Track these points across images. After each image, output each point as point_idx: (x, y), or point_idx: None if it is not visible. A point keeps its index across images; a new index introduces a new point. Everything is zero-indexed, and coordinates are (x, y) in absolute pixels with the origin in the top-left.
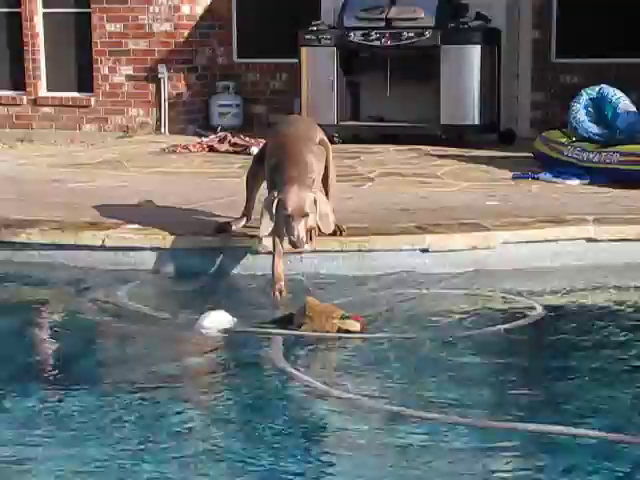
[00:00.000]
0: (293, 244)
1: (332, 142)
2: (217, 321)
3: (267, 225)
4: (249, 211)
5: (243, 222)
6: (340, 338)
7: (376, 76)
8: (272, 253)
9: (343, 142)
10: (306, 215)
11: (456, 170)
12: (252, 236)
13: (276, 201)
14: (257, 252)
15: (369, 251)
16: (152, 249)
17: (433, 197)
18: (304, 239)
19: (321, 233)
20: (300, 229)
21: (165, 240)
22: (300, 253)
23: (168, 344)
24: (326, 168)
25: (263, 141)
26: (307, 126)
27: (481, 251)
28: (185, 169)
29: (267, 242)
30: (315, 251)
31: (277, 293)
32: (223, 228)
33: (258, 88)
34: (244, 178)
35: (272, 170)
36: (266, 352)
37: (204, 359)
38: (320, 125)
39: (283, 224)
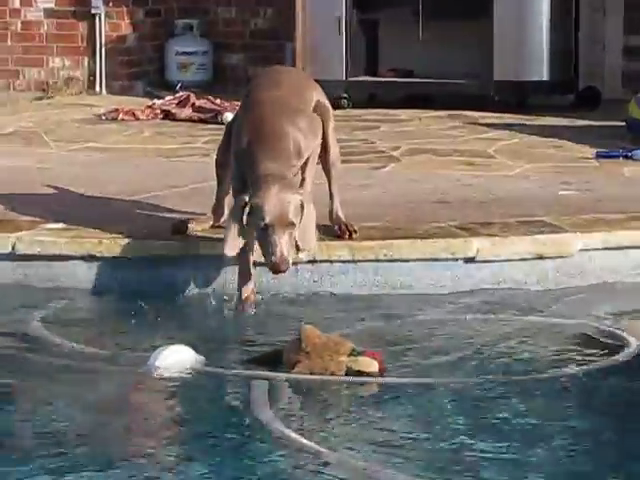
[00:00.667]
0: (274, 267)
1: (339, 106)
2: (176, 359)
3: (233, 242)
4: (220, 206)
5: (210, 222)
6: (351, 383)
7: (402, 12)
8: (238, 269)
9: (355, 106)
10: (291, 225)
11: (515, 146)
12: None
13: (248, 207)
14: (232, 263)
15: (391, 261)
16: (83, 258)
17: (482, 185)
18: (289, 259)
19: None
20: (283, 245)
21: (101, 245)
22: (295, 263)
23: (105, 393)
24: (323, 146)
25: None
26: (296, 85)
27: (550, 261)
28: (130, 144)
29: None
30: (313, 261)
31: (241, 308)
32: (182, 228)
33: (233, 29)
34: (214, 158)
35: (240, 158)
36: (246, 404)
37: (157, 413)
38: (321, 82)
39: (259, 239)
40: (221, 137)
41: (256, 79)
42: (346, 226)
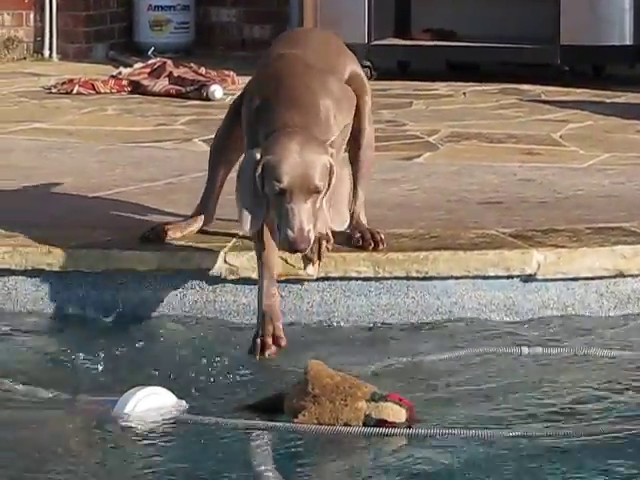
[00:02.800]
0: (290, 245)
1: None
2: (151, 404)
3: (251, 214)
4: (207, 206)
5: (196, 225)
6: (371, 436)
7: None
8: (258, 269)
9: (380, 77)
10: (315, 191)
11: (589, 130)
12: (212, 251)
13: (260, 165)
14: (221, 278)
15: (425, 279)
16: (26, 272)
17: (545, 180)
18: (310, 236)
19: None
20: (303, 216)
21: (52, 257)
22: (300, 280)
23: (61, 445)
24: (356, 128)
25: (230, 75)
26: (327, 48)
27: (633, 280)
28: (89, 125)
29: (239, 262)
30: (325, 278)
31: (267, 347)
32: (156, 235)
33: None
34: (210, 146)
35: (254, 114)
36: (243, 461)
37: (125, 476)
38: None
39: (272, 208)
40: (208, 116)
41: (277, 41)
42: (371, 234)
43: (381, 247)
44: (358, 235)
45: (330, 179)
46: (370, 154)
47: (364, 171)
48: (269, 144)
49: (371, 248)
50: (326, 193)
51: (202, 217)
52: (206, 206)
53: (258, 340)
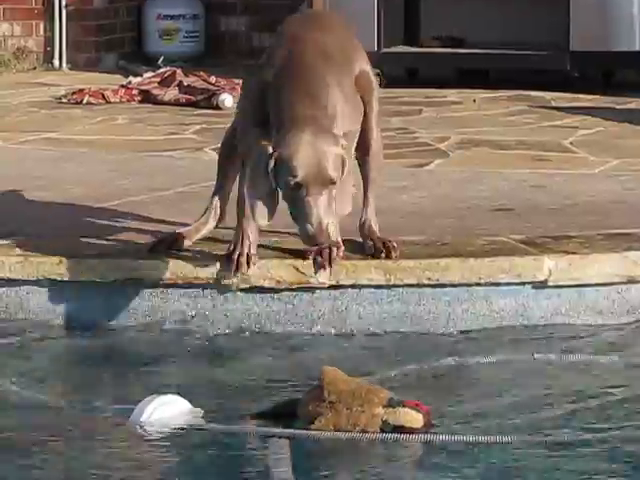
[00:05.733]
0: (310, 239)
1: None
2: (166, 412)
3: (263, 207)
4: (217, 204)
5: (207, 228)
6: (388, 442)
7: None
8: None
9: (390, 84)
10: (330, 183)
11: (599, 136)
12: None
13: (273, 158)
14: (233, 288)
15: (436, 286)
16: (38, 282)
17: (556, 187)
18: (330, 230)
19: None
20: (321, 210)
21: (62, 267)
22: (312, 288)
23: (78, 453)
24: (364, 134)
25: (240, 83)
26: (344, 37)
27: None
28: (99, 135)
29: (251, 270)
30: (336, 286)
31: (241, 267)
32: (170, 244)
33: None
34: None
35: (260, 96)
36: (262, 468)
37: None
38: None
39: (288, 202)
40: (218, 125)
41: (292, 20)
42: (383, 242)
43: (394, 255)
44: (370, 244)
45: (342, 170)
46: (379, 160)
47: (373, 178)
48: (281, 137)
49: (384, 256)
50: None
51: (212, 217)
52: (215, 204)
53: (234, 257)
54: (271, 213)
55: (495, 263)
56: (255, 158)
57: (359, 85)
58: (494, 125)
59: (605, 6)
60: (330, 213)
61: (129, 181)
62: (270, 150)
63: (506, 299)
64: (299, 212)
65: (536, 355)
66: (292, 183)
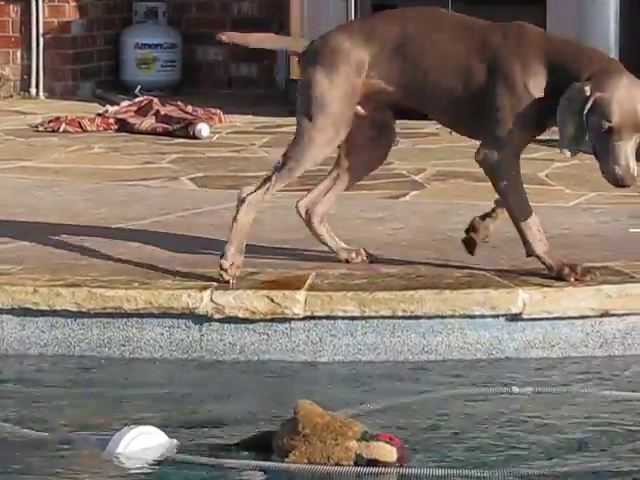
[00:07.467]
0: (617, 181)
1: None
2: (143, 444)
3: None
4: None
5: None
6: (362, 474)
7: None
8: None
9: None
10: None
11: (574, 169)
12: (198, 289)
13: (592, 99)
14: (207, 317)
15: (412, 317)
16: (13, 311)
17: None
18: (634, 174)
19: None
20: (629, 154)
21: (37, 295)
22: (286, 319)
23: None
24: None
25: (217, 113)
26: None
27: (618, 320)
28: (75, 164)
29: (225, 300)
30: (311, 317)
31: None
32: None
33: (210, 15)
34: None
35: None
36: None
37: None
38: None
39: (597, 144)
40: (194, 154)
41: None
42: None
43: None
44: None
45: None
46: None
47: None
48: (600, 81)
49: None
50: None
51: None
52: None
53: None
54: (581, 148)
55: (470, 295)
56: (571, 95)
57: None
58: (470, 157)
59: (580, 38)
60: (634, 158)
61: (105, 210)
62: (588, 92)
63: (481, 331)
64: (608, 154)
65: (513, 388)
66: (605, 126)
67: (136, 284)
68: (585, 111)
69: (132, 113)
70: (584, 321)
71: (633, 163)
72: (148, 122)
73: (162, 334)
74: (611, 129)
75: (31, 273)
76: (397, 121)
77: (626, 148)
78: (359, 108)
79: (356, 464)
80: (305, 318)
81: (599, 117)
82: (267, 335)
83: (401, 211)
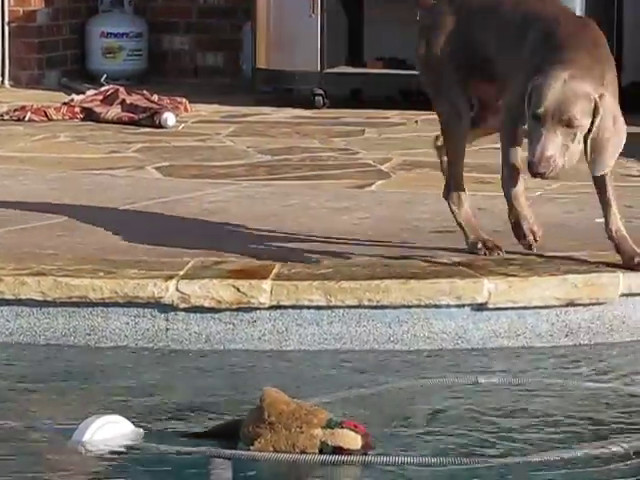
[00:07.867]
0: (529, 167)
1: (312, 105)
2: (108, 432)
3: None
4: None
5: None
6: (326, 464)
7: None
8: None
9: (332, 105)
10: (568, 123)
11: None
12: (164, 278)
13: (529, 87)
14: (173, 307)
15: (377, 307)
16: None
17: (497, 209)
18: (551, 163)
19: None
20: (548, 143)
21: (3, 284)
22: (252, 309)
23: (17, 474)
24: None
25: (183, 102)
26: None
27: (584, 309)
28: (40, 152)
29: (191, 290)
30: (277, 306)
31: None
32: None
33: (176, 4)
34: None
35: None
36: None
37: None
38: (294, 73)
39: (528, 130)
40: (160, 144)
41: None
42: None
43: None
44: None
45: (594, 119)
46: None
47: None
48: (547, 70)
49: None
50: (589, 133)
51: (465, 194)
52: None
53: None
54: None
55: (436, 285)
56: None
57: None
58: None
59: None
60: (560, 151)
61: (70, 198)
62: (536, 79)
63: (446, 321)
64: (531, 141)
65: (480, 379)
66: (531, 113)
67: (101, 273)
68: (526, 96)
69: (98, 102)
70: (549, 311)
71: (552, 153)
72: (114, 111)
73: (127, 323)
74: (536, 116)
75: None
76: (361, 111)
77: (547, 137)
78: None
79: (321, 452)
80: (271, 307)
81: (531, 104)
82: (233, 324)
83: (367, 200)
